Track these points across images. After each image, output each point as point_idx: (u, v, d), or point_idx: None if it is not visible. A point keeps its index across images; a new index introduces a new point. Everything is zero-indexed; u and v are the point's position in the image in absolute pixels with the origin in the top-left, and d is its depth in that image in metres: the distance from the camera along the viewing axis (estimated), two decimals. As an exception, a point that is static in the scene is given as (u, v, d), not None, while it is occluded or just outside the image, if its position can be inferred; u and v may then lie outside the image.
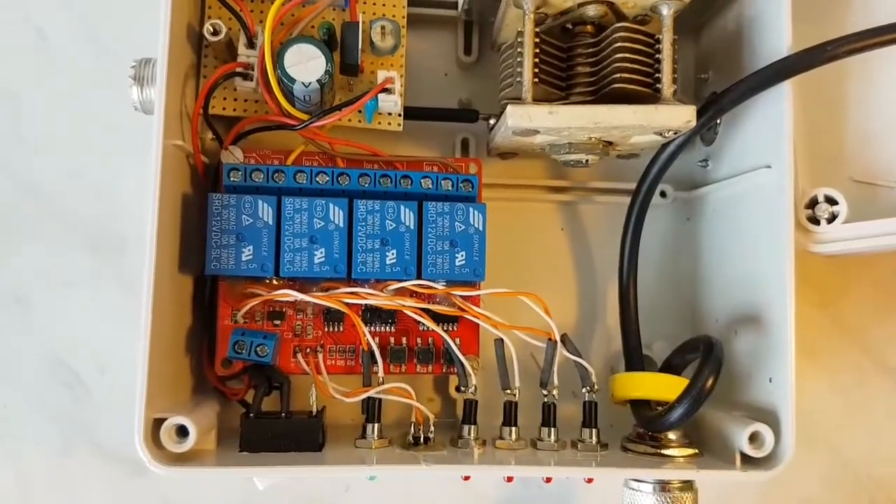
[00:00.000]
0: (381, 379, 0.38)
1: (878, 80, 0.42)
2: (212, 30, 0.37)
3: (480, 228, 0.38)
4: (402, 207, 0.37)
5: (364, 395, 0.37)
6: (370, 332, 0.38)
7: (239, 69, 0.37)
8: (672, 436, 0.38)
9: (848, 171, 0.42)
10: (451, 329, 0.40)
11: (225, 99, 0.39)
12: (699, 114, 0.37)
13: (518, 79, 0.36)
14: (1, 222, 0.44)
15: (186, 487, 0.44)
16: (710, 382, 0.35)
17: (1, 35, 0.45)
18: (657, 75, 0.37)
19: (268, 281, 0.38)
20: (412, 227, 0.37)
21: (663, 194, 0.45)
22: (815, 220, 0.39)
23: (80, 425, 0.44)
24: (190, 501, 0.44)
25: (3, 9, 0.45)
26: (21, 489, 0.44)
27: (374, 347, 0.38)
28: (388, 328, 0.40)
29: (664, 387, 0.38)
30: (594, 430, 0.39)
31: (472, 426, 0.39)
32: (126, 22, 0.45)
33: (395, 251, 0.37)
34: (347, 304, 0.38)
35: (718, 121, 0.42)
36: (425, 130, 0.44)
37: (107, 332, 0.44)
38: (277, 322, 0.39)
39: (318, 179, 0.37)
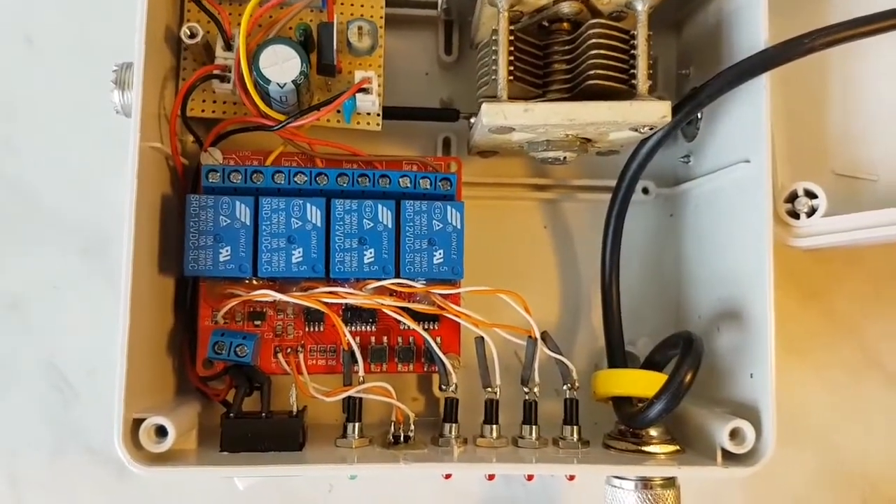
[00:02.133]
0: (361, 378, 0.38)
1: (858, 73, 0.42)
2: (189, 33, 0.38)
3: (458, 227, 0.38)
4: (380, 206, 0.38)
5: (344, 395, 0.38)
6: (350, 331, 0.38)
7: (216, 71, 0.38)
8: (654, 432, 0.38)
9: (830, 165, 0.41)
10: (431, 328, 0.40)
11: (204, 101, 0.39)
12: (677, 109, 0.37)
13: (494, 77, 0.37)
14: (-10, 226, 0.45)
15: (175, 489, 0.45)
16: (688, 378, 0.35)
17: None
18: (633, 71, 0.37)
19: (248, 281, 0.38)
20: (390, 225, 0.38)
21: (646, 191, 0.45)
22: (794, 214, 0.38)
23: (70, 427, 0.44)
24: (179, 503, 0.45)
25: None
26: (12, 490, 0.44)
27: (355, 347, 0.38)
28: (368, 327, 0.40)
29: (645, 383, 0.38)
30: (575, 427, 0.39)
31: (453, 424, 0.39)
32: (115, 26, 0.46)
33: (372, 250, 0.37)
34: (327, 304, 0.38)
35: (699, 116, 0.42)
36: (407, 130, 0.44)
37: (96, 334, 0.45)
38: (258, 322, 0.39)
39: (296, 180, 0.37)
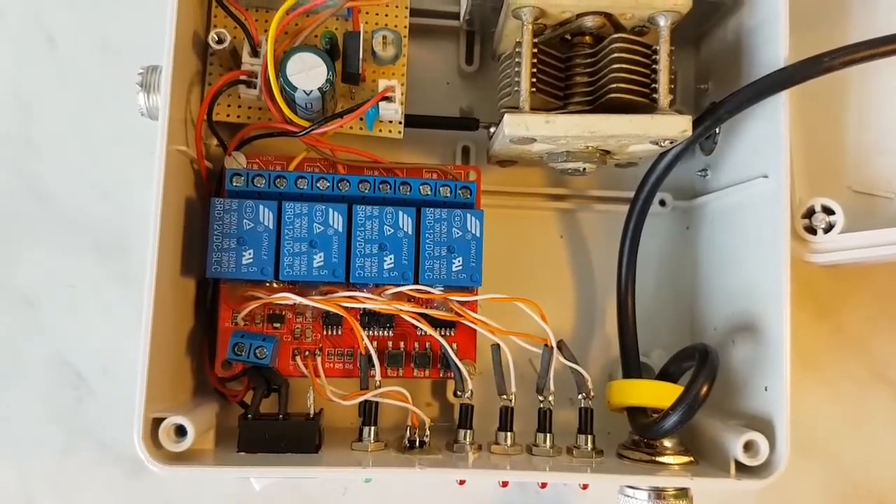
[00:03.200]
0: (378, 383, 0.38)
1: (877, 91, 0.42)
2: (216, 38, 0.38)
3: (477, 234, 0.39)
4: (401, 213, 0.38)
5: (361, 399, 0.38)
6: (368, 336, 0.39)
7: (243, 77, 0.38)
8: (667, 443, 0.38)
9: (847, 182, 0.42)
10: (448, 334, 0.40)
11: (229, 106, 0.40)
12: (696, 124, 0.37)
13: (516, 88, 0.37)
14: (11, 225, 0.45)
15: (188, 488, 0.45)
16: (704, 390, 0.36)
17: (13, 41, 0.46)
18: (654, 85, 0.37)
19: (268, 284, 0.38)
20: (410, 232, 0.38)
21: (663, 203, 0.45)
22: (811, 230, 0.39)
23: (83, 425, 0.45)
24: (192, 502, 0.45)
25: (15, 15, 0.47)
26: (23, 489, 0.44)
27: (372, 351, 0.38)
28: (385, 332, 0.40)
29: (660, 394, 0.38)
30: (590, 436, 0.39)
31: (468, 431, 0.39)
32: (136, 28, 0.46)
33: (393, 256, 0.38)
34: (346, 308, 0.38)
35: (717, 130, 0.43)
36: (427, 138, 0.45)
37: (111, 333, 0.45)
38: (277, 325, 0.40)
39: (318, 185, 0.38)
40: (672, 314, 0.46)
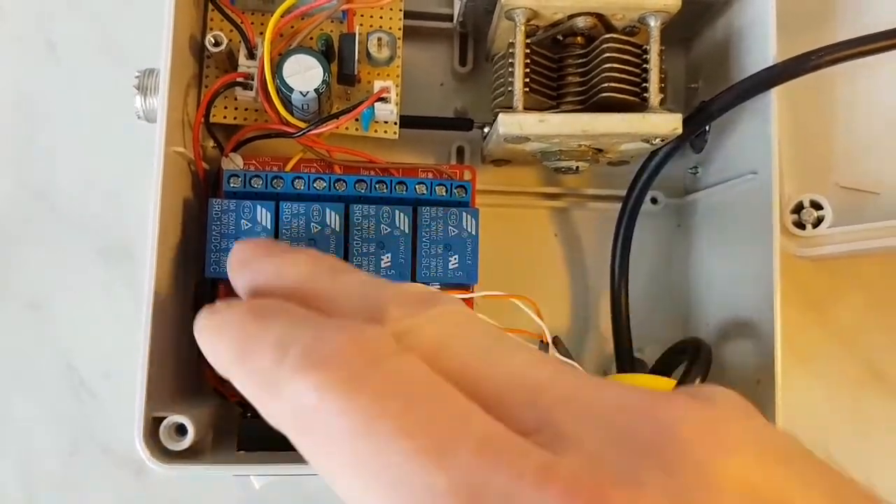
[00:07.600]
0: (376, 380, 0.39)
1: (865, 88, 0.43)
2: (213, 41, 0.39)
3: (473, 233, 0.39)
4: (397, 212, 0.38)
5: (359, 396, 0.38)
6: (366, 334, 0.39)
7: (239, 79, 0.39)
8: (662, 437, 0.39)
9: (834, 178, 0.43)
10: (445, 332, 0.41)
11: (226, 108, 0.40)
12: (687, 122, 0.38)
13: (509, 88, 0.38)
14: (13, 227, 0.46)
15: (189, 490, 0.45)
16: (697, 383, 0.36)
17: (13, 42, 0.47)
18: (645, 84, 0.38)
19: (266, 284, 0.39)
20: (407, 231, 0.38)
21: (654, 201, 0.46)
22: (800, 225, 0.40)
23: (85, 428, 0.45)
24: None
25: (15, 17, 0.47)
26: (26, 492, 0.45)
27: (370, 349, 0.39)
28: (383, 331, 0.41)
29: (653, 388, 0.39)
30: (585, 431, 0.40)
31: (466, 427, 0.39)
32: (136, 30, 0.47)
33: (389, 255, 0.38)
34: (343, 307, 0.38)
35: (708, 128, 0.43)
36: (422, 139, 0.45)
37: (114, 336, 0.45)
38: (275, 324, 0.40)
39: (315, 185, 0.38)
40: (666, 310, 0.46)
